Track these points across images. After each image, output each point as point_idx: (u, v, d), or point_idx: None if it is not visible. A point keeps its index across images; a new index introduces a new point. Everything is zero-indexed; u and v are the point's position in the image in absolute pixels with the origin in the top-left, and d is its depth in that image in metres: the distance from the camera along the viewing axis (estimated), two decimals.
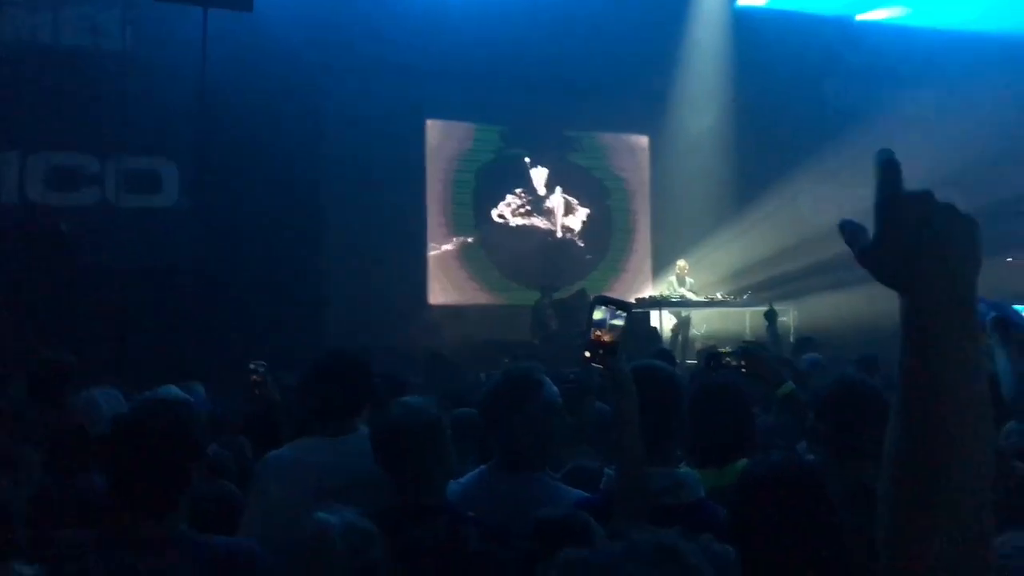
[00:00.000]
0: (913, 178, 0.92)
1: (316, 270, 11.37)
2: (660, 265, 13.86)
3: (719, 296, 12.35)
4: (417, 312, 12.26)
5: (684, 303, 12.09)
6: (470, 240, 13.37)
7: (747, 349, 3.41)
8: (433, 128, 13.18)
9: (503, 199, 13.59)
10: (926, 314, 0.88)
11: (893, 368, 0.93)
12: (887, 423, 0.91)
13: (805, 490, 1.77)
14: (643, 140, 14.31)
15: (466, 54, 11.56)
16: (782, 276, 12.39)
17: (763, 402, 3.92)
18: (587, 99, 12.83)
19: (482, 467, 2.66)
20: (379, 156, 11.60)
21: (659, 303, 11.80)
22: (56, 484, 3.08)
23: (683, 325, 12.02)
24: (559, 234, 13.95)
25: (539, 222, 13.82)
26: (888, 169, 0.91)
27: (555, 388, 2.63)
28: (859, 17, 14.60)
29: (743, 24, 13.45)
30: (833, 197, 11.07)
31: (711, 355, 3.36)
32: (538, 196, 13.80)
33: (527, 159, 13.65)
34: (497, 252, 13.38)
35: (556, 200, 13.89)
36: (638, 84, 12.76)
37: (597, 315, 2.16)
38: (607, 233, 14.18)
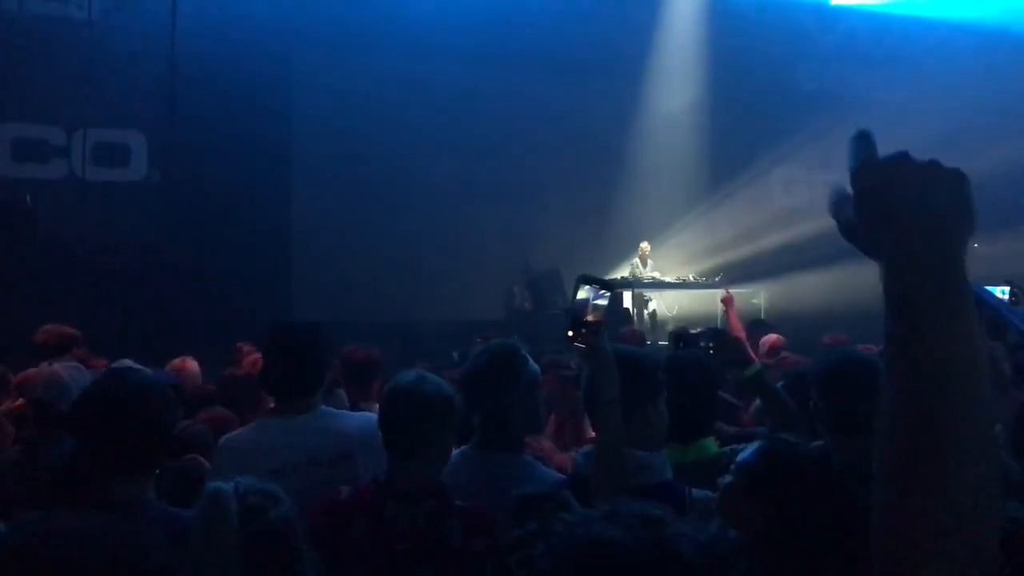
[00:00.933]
0: None
1: (285, 243, 11.29)
2: (625, 247, 13.81)
3: (691, 278, 12.40)
4: (388, 287, 12.19)
5: (657, 284, 12.09)
6: None
7: (716, 330, 3.43)
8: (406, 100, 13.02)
9: None
10: (907, 274, 0.84)
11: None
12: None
13: (826, 472, 1.75)
14: None
15: (439, 28, 11.46)
16: (753, 257, 12.46)
17: (731, 384, 3.97)
18: (561, 75, 12.74)
19: (464, 447, 2.56)
20: (350, 128, 11.45)
21: (630, 284, 11.81)
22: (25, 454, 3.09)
23: (639, 303, 11.99)
24: None
25: None
26: (861, 140, 0.90)
27: (536, 365, 2.60)
28: (833, 1, 14.67)
29: (718, 6, 13.44)
30: (806, 179, 11.14)
31: (680, 335, 3.37)
32: None
33: None
34: None
35: None
36: (612, 64, 12.70)
37: (581, 294, 2.10)
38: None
